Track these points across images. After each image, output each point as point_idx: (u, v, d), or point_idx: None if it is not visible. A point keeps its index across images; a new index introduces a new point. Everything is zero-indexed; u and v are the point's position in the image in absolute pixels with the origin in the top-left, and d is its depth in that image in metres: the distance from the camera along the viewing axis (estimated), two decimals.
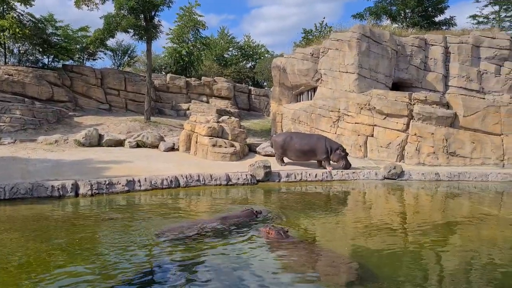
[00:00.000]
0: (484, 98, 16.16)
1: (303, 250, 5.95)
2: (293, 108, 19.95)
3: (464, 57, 17.75)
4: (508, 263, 5.83)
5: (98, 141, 16.16)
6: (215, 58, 36.87)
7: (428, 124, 15.43)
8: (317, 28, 35.60)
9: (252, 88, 32.36)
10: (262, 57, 39.48)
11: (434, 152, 15.30)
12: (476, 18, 33.88)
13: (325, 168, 13.46)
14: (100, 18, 20.85)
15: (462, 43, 17.93)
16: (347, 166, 13.52)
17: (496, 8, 33.45)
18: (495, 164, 15.19)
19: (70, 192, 9.39)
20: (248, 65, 39.40)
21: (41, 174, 10.35)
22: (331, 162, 13.67)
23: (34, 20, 23.48)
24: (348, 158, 13.89)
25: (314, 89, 19.37)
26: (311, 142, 13.67)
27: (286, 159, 14.42)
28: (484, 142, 15.35)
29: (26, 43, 23.85)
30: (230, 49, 39.74)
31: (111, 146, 16.07)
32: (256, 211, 7.79)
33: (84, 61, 29.14)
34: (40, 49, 24.67)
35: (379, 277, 5.04)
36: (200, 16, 30.83)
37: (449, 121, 15.44)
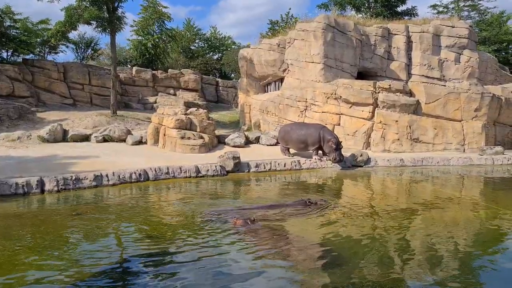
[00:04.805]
0: (445, 86, 16.69)
1: (269, 236, 6.06)
2: (261, 99, 20.04)
3: (426, 46, 18.30)
4: (470, 242, 6.15)
5: (62, 137, 15.78)
6: (181, 50, 36.46)
7: (392, 111, 15.83)
8: (283, 19, 35.84)
9: (219, 79, 32.27)
10: (229, 49, 39.33)
11: (398, 139, 15.72)
12: (436, 7, 34.89)
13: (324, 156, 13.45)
14: (61, 10, 20.21)
15: (423, 32, 18.47)
16: (337, 159, 12.85)
17: None
18: (456, 149, 15.75)
19: (36, 189, 9.18)
20: (215, 57, 39.18)
21: (4, 172, 10.05)
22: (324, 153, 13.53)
23: None
24: None
25: (281, 80, 19.51)
26: (306, 132, 13.59)
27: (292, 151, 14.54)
28: (445, 128, 15.87)
29: None
30: (197, 41, 39.37)
31: (76, 141, 15.72)
32: (311, 201, 7.91)
33: (46, 55, 28.31)
34: None
35: (348, 261, 5.19)
36: (165, 7, 30.30)
37: (412, 108, 15.89)
